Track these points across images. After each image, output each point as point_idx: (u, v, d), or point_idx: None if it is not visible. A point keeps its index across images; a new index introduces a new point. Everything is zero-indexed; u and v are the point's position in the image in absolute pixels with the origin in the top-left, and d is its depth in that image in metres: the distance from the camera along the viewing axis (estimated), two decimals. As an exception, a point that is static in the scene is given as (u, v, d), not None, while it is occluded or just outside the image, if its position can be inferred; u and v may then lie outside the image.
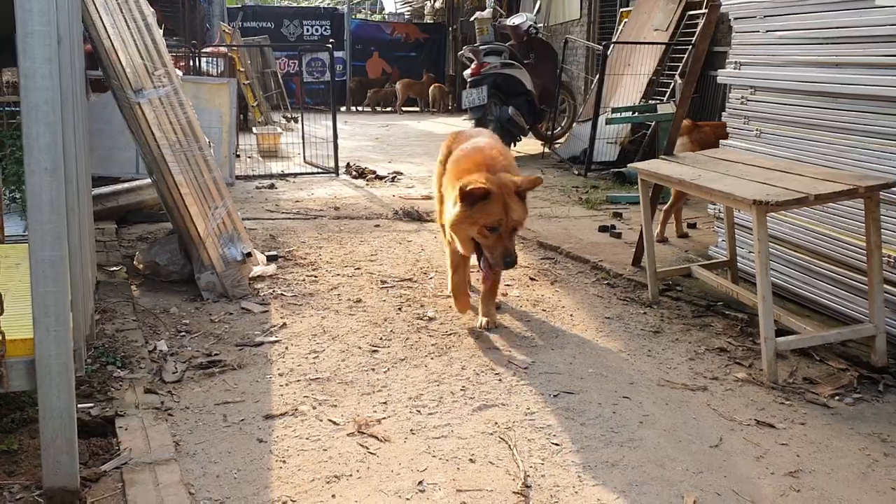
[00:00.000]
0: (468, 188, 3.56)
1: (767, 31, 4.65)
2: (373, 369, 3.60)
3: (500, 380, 3.50)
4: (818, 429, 3.08)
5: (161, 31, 4.69)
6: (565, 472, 2.73)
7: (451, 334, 4.10)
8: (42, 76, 2.08)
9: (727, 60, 5.08)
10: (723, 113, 5.19)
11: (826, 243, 4.15)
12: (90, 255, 3.42)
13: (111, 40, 4.08)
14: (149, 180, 6.05)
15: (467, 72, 10.65)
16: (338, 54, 21.14)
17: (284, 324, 4.18)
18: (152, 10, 4.62)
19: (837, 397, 3.34)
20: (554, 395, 3.36)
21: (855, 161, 3.98)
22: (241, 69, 14.50)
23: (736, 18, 4.94)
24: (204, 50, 12.17)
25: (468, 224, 3.66)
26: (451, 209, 3.73)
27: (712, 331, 4.18)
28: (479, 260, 3.83)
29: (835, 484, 2.67)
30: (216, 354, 3.72)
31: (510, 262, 3.66)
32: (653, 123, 9.10)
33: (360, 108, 20.55)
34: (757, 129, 4.79)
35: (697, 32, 4.51)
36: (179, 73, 5.49)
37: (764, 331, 3.46)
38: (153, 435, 2.82)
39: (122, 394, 3.18)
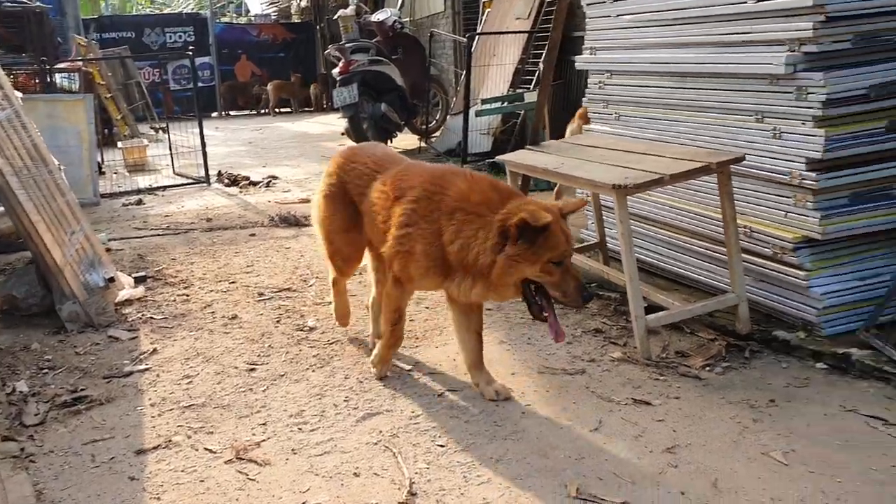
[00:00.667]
0: (539, 222, 2.80)
1: (618, 16, 4.77)
2: (251, 389, 3.49)
3: (383, 385, 3.46)
4: (692, 401, 3.18)
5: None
6: (451, 473, 2.71)
7: (333, 343, 4.02)
8: None
9: (583, 46, 5.18)
10: (583, 99, 5.30)
11: (689, 218, 4.30)
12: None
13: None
14: (2, 208, 5.70)
15: (336, 70, 10.52)
16: (204, 59, 20.53)
17: (155, 349, 3.99)
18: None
19: (708, 368, 3.47)
20: (438, 395, 3.34)
21: (710, 137, 4.13)
22: (102, 82, 13.86)
23: (588, 4, 5.05)
24: (58, 65, 11.55)
25: (528, 263, 2.89)
26: (489, 252, 2.93)
27: (587, 312, 4.26)
28: (530, 307, 3.07)
29: (709, 455, 2.76)
30: (82, 390, 3.51)
31: (588, 295, 3.01)
32: (522, 112, 9.23)
33: (231, 113, 20.04)
34: (616, 112, 4.91)
35: (553, 23, 4.57)
36: (19, 94, 5.14)
37: (634, 309, 3.55)
38: (11, 487, 2.63)
39: (-26, 445, 2.96)
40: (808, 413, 3.04)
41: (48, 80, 9.43)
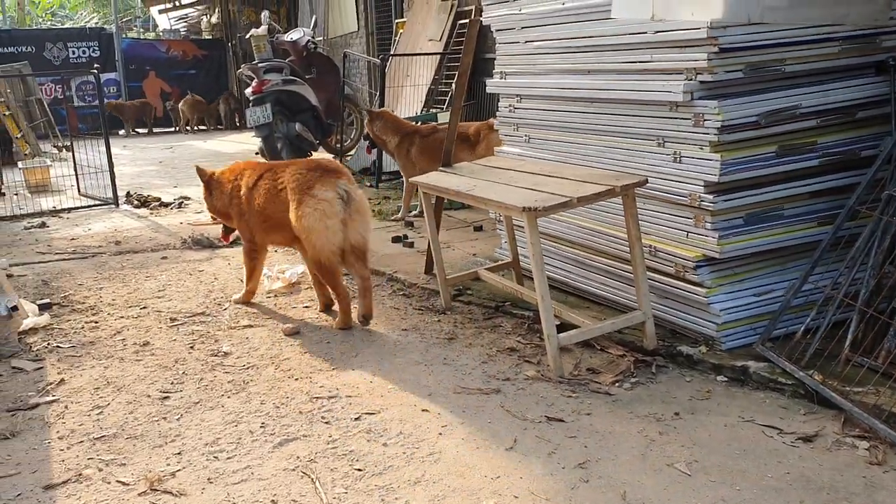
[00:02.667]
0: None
1: (526, 42, 4.91)
2: (164, 418, 3.43)
3: (300, 411, 3.45)
4: (602, 417, 3.30)
5: None
6: (369, 497, 2.74)
7: (248, 367, 3.99)
8: None
9: (494, 70, 5.31)
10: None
11: (596, 238, 4.45)
12: None
13: None
14: None
15: (248, 90, 10.42)
16: (111, 76, 19.98)
17: (62, 380, 3.88)
18: None
19: (618, 384, 3.60)
20: (356, 419, 3.36)
21: (614, 160, 4.29)
22: (1, 99, 13.35)
23: (497, 30, 5.18)
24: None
25: None
26: None
27: (502, 331, 4.36)
28: None
29: (619, 469, 2.87)
30: (-16, 424, 3.40)
31: None
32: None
33: (139, 131, 19.53)
34: (526, 135, 5.04)
35: (463, 49, 4.67)
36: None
37: (546, 328, 3.65)
38: None
39: None
40: (710, 424, 3.19)
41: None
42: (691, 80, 3.71)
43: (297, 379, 3.82)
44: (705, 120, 3.68)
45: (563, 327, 3.92)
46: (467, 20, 10.08)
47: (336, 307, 4.69)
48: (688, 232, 3.89)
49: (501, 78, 5.19)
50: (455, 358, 3.99)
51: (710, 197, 3.70)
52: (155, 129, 19.59)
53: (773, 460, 2.90)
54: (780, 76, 3.80)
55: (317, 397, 3.59)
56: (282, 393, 3.65)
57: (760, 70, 3.72)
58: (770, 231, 3.87)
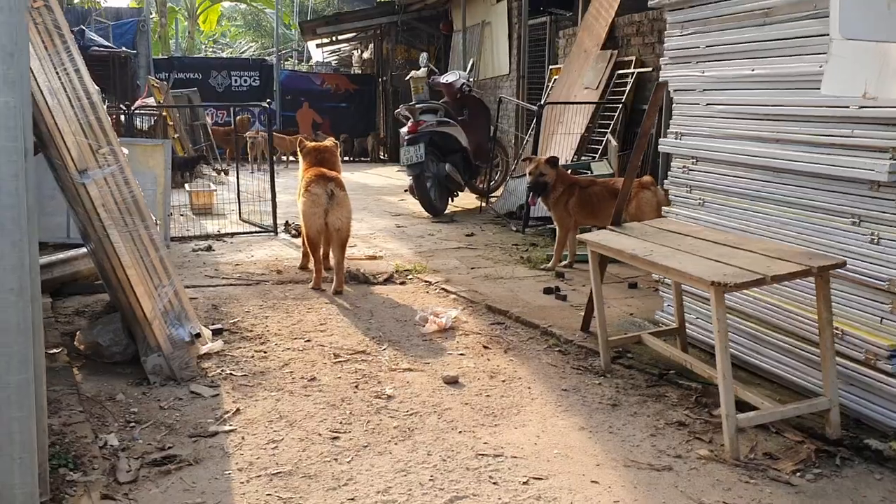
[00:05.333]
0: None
1: (708, 105, 4.81)
2: (335, 459, 3.51)
3: (467, 467, 3.45)
4: (785, 509, 3.13)
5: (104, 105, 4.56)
6: (545, 570, 2.69)
7: (412, 414, 4.04)
8: (8, 193, 1.98)
9: (668, 130, 5.23)
10: (664, 179, 5.32)
11: (775, 313, 4.27)
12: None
13: (55, 119, 3.96)
14: (84, 250, 5.86)
15: (404, 129, 10.72)
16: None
17: (238, 409, 4.05)
18: (97, 87, 4.51)
19: (799, 473, 3.41)
20: (524, 482, 3.33)
21: (799, 234, 4.12)
22: (171, 123, 14.30)
23: (676, 90, 5.10)
24: (137, 106, 11.95)
25: None
26: None
27: (668, 402, 4.23)
28: None
29: (809, 571, 2.71)
30: (170, 448, 3.57)
31: None
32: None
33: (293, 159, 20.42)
34: (700, 198, 4.92)
35: (647, 111, 4.62)
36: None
37: (725, 408, 3.51)
38: (114, 550, 2.67)
39: (77, 501, 3.01)
40: (909, 532, 2.97)
41: (130, 121, 9.78)
42: (896, 159, 3.52)
43: (460, 432, 3.83)
44: (913, 202, 3.48)
45: (736, 404, 3.76)
46: (625, 70, 10.03)
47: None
48: (882, 318, 3.67)
49: (677, 138, 5.09)
50: (621, 427, 3.90)
51: (913, 284, 3.48)
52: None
53: None
54: None
55: (482, 454, 3.58)
56: (447, 445, 3.67)
57: (978, 153, 3.49)
58: (976, 325, 3.60)
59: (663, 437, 3.80)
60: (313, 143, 7.32)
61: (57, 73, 4.08)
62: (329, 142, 7.44)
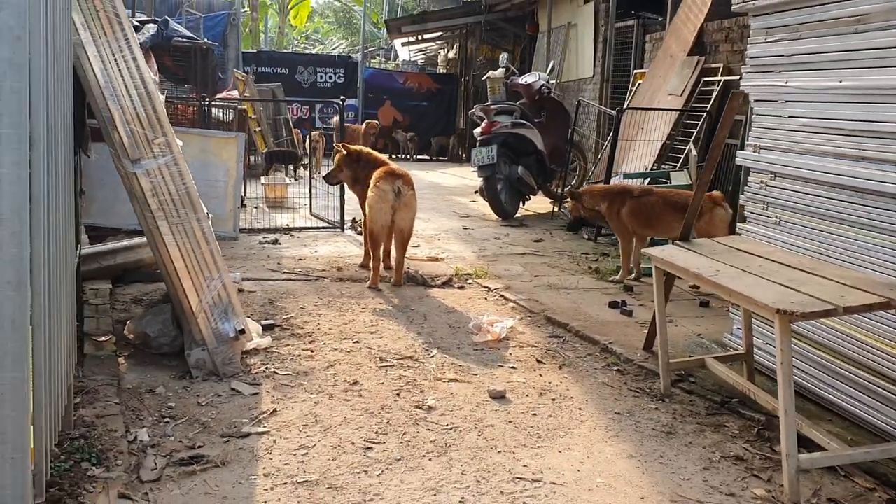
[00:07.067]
0: None
1: (790, 117, 4.48)
2: (365, 471, 3.37)
3: (501, 490, 3.26)
4: (846, 565, 2.83)
5: (162, 96, 4.54)
6: None
7: (451, 429, 3.87)
8: (10, 182, 1.90)
9: (746, 142, 4.91)
10: (741, 194, 5.00)
11: (851, 345, 3.93)
12: (68, 342, 3.22)
13: (110, 110, 3.94)
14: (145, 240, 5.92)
15: (477, 130, 10.55)
16: (351, 101, 21.19)
17: (274, 410, 3.96)
18: (154, 75, 4.49)
19: (866, 525, 3.10)
20: (559, 512, 3.12)
21: (881, 261, 3.78)
22: (253, 116, 14.48)
23: (756, 101, 4.78)
24: (218, 97, 12.14)
25: None
26: None
27: (727, 433, 3.94)
28: None
29: None
30: (199, 447, 3.50)
31: None
32: (665, 190, 8.92)
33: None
34: (777, 217, 4.60)
35: (720, 122, 4.33)
36: (179, 128, 5.28)
37: (786, 447, 3.22)
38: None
39: (94, 498, 2.95)
40: None
41: (207, 112, 9.92)
42: None
43: (499, 451, 3.64)
44: None
45: (801, 441, 3.45)
46: (712, 78, 9.60)
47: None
48: (971, 358, 3.31)
49: (755, 151, 4.77)
50: (673, 458, 3.64)
51: None
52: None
53: None
54: None
55: (519, 478, 3.38)
56: (483, 465, 3.48)
57: None
58: None
59: (717, 471, 3.52)
60: (347, 150, 7.32)
61: (115, 60, 4.06)
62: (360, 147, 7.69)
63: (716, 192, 6.75)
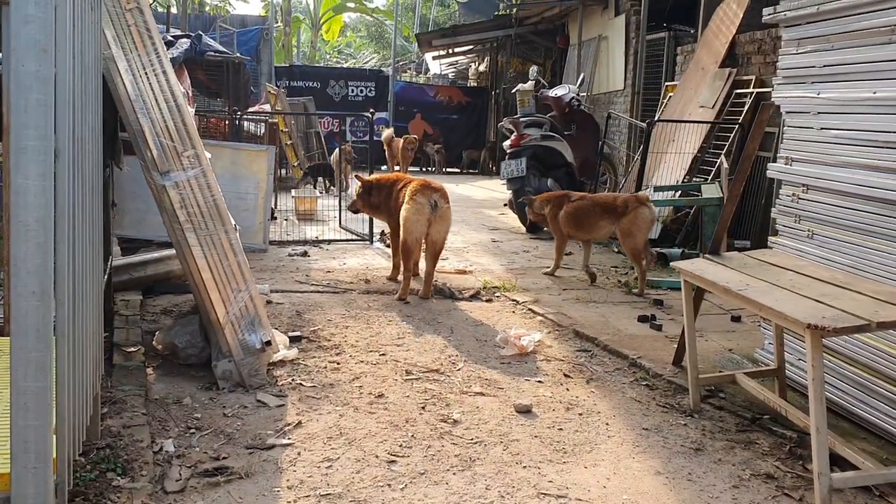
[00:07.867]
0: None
1: (822, 129, 4.41)
2: (389, 485, 3.35)
3: (525, 507, 3.23)
4: (880, 589, 2.75)
5: (192, 109, 4.59)
6: None
7: (476, 443, 3.83)
8: (35, 193, 1.92)
9: (778, 154, 4.84)
10: (773, 207, 4.92)
11: (886, 361, 3.83)
12: (95, 352, 3.25)
13: (140, 123, 3.98)
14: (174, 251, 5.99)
15: (507, 143, 10.54)
16: (382, 115, 21.32)
17: (300, 422, 3.96)
18: (188, 89, 4.55)
19: (901, 548, 3.01)
20: (584, 529, 3.07)
21: (918, 275, 3.69)
22: (285, 129, 14.62)
23: (788, 112, 4.71)
24: (250, 110, 12.27)
25: None
26: None
27: (758, 450, 3.86)
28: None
29: None
30: (224, 458, 3.50)
31: None
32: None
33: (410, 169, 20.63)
34: (809, 230, 4.52)
35: (750, 134, 4.28)
36: (210, 141, 5.36)
37: (818, 465, 3.14)
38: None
39: (117, 508, 2.97)
40: None
41: (238, 125, 10.04)
42: None
43: (525, 467, 3.59)
44: None
45: (834, 459, 3.37)
46: (744, 90, 9.51)
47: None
48: None
49: (787, 164, 4.69)
50: (701, 475, 3.57)
51: None
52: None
53: None
54: None
55: (544, 493, 3.34)
56: (508, 480, 3.44)
57: None
58: None
59: (747, 489, 3.45)
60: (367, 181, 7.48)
61: (146, 74, 4.11)
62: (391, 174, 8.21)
63: (641, 193, 7.56)
